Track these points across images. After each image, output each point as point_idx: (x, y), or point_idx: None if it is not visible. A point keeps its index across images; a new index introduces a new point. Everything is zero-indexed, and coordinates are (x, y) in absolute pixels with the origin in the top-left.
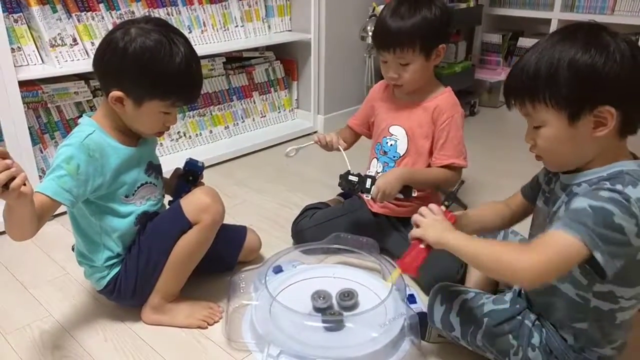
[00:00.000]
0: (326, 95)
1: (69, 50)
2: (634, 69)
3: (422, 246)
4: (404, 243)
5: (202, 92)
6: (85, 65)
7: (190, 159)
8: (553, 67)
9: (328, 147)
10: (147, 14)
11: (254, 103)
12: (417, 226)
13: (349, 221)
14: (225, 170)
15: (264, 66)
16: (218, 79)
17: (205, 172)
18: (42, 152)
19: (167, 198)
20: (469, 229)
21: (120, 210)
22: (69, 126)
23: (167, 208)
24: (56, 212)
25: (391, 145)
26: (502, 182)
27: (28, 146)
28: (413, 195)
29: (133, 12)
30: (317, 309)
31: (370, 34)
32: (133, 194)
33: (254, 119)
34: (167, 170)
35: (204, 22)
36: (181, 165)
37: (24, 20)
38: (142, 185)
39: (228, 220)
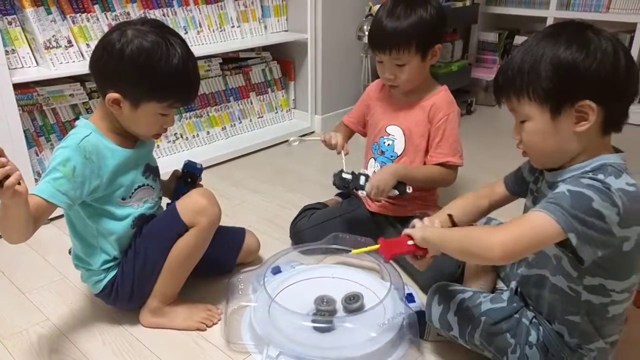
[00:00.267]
0: (323, 95)
1: (64, 52)
2: (615, 66)
3: (409, 243)
4: None
5: (199, 93)
6: (80, 67)
7: (188, 160)
8: (536, 63)
9: (331, 148)
10: (142, 15)
11: (251, 104)
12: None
13: (348, 221)
14: (223, 171)
15: (261, 66)
16: (215, 79)
17: (203, 174)
18: (37, 155)
19: (165, 200)
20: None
21: (117, 213)
22: (64, 129)
23: (164, 210)
24: (52, 216)
25: (388, 145)
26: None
27: (23, 149)
28: (408, 191)
29: (128, 14)
30: (321, 312)
31: (366, 33)
32: (130, 197)
33: (251, 119)
34: (165, 172)
35: (200, 23)
36: (179, 167)
37: (18, 22)
38: (139, 187)
39: (226, 221)
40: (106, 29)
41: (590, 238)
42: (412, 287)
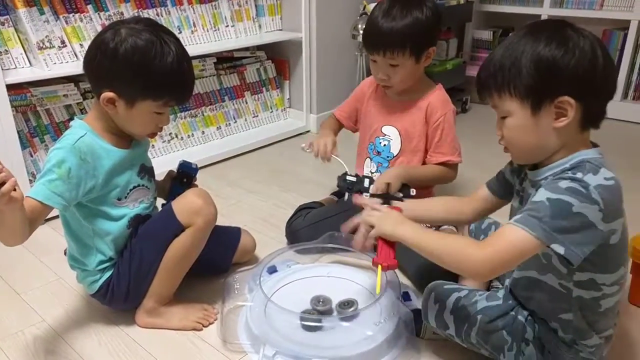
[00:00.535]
0: (318, 94)
1: (58, 52)
2: (593, 64)
3: (386, 242)
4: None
5: (193, 93)
6: (74, 67)
7: (183, 160)
8: (517, 59)
9: (320, 154)
10: (136, 14)
11: (246, 103)
12: (372, 226)
13: (343, 220)
14: (218, 171)
15: (256, 66)
16: (209, 79)
17: (198, 174)
18: (32, 155)
19: (160, 201)
20: (417, 220)
21: (113, 214)
22: (59, 129)
23: (159, 211)
24: (48, 216)
25: (384, 145)
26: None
27: (17, 150)
28: (412, 194)
29: (122, 13)
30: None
31: (361, 32)
32: (125, 197)
33: (246, 119)
34: (160, 172)
35: (194, 23)
36: (174, 167)
37: (10, 23)
38: (134, 188)
39: (222, 221)
40: (100, 29)
41: (577, 241)
42: (408, 286)
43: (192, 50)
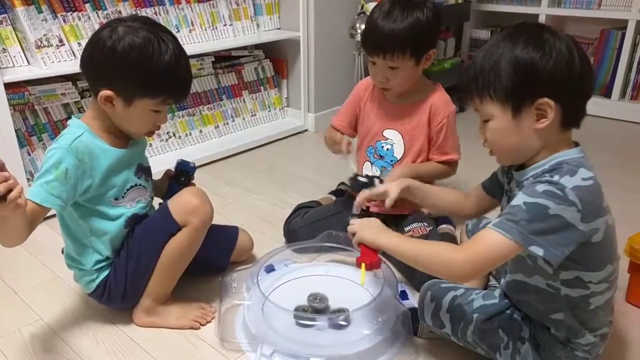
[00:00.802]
0: (316, 93)
1: (55, 51)
2: (569, 65)
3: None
4: None
5: (191, 92)
6: (72, 66)
7: (181, 159)
8: (496, 63)
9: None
10: (134, 13)
11: (244, 102)
12: (354, 234)
13: (341, 219)
14: (215, 170)
15: (254, 65)
16: (207, 78)
17: (196, 173)
18: (29, 154)
19: (157, 200)
20: (421, 202)
21: (110, 213)
22: (57, 128)
23: (156, 210)
24: (46, 215)
25: (387, 149)
26: None
27: (15, 149)
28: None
29: (120, 12)
30: (315, 311)
31: (359, 31)
32: (123, 197)
33: (244, 118)
34: (158, 171)
35: (191, 22)
36: (171, 166)
37: (8, 21)
38: (131, 187)
39: (219, 220)
40: (97, 28)
41: (556, 242)
42: (405, 285)
43: (190, 49)
